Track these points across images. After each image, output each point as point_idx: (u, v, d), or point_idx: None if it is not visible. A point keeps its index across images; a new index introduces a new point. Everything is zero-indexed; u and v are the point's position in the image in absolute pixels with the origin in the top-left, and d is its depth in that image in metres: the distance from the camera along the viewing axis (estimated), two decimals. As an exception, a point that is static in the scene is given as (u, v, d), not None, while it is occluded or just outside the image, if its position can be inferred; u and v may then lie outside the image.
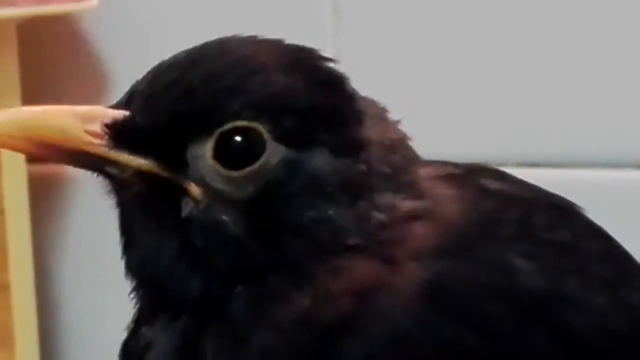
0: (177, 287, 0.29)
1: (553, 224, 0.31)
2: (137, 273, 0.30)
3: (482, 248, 0.29)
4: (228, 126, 0.28)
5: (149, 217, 0.29)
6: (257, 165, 0.28)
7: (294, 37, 0.66)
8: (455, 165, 0.33)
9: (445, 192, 0.30)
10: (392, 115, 0.32)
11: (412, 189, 0.29)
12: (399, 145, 0.30)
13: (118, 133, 0.28)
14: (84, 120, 0.28)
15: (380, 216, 0.28)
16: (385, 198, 0.29)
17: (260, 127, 0.28)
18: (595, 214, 0.33)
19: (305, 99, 0.28)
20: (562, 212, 0.32)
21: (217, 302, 0.29)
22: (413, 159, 0.30)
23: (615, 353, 0.29)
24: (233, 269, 0.28)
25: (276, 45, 0.31)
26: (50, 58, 0.70)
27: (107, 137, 0.28)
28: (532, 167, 0.65)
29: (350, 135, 0.29)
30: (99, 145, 0.28)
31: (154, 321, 0.29)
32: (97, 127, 0.28)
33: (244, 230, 0.28)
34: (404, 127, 0.32)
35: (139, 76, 0.31)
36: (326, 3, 0.68)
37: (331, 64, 0.30)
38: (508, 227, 0.30)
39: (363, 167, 0.28)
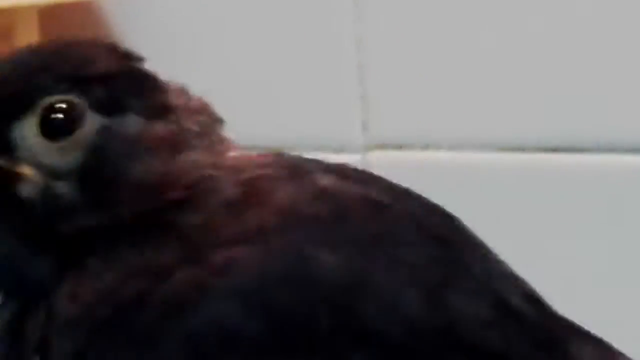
0: (20, 275, 0.31)
1: (371, 218, 0.31)
2: None
3: (281, 238, 0.29)
4: (45, 101, 0.29)
5: None
6: (78, 133, 0.29)
7: (315, 24, 0.64)
8: (289, 157, 0.34)
9: (259, 185, 0.31)
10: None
11: (219, 148, 0.32)
12: (203, 109, 0.32)
13: None
14: None
15: (197, 172, 0.31)
16: (199, 155, 0.31)
17: (76, 99, 0.29)
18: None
19: (111, 67, 0.30)
20: (392, 211, 0.32)
21: (43, 283, 0.30)
22: (219, 120, 0.32)
23: (416, 347, 0.29)
24: (74, 240, 0.30)
25: (91, 41, 0.33)
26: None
27: None
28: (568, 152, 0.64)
29: (157, 101, 0.30)
30: None
31: (4, 301, 0.31)
32: None
33: (79, 199, 0.30)
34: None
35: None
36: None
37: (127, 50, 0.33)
38: (319, 221, 0.30)
39: (174, 127, 0.30)
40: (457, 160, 0.68)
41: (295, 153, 0.57)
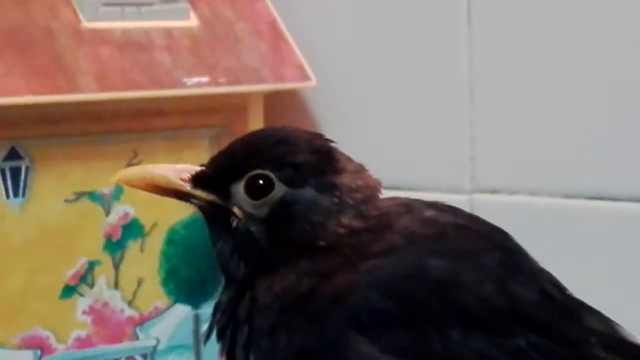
0: (229, 271, 0.39)
1: (468, 235, 0.39)
2: (216, 261, 0.40)
3: (411, 252, 0.37)
4: (251, 173, 0.38)
5: (217, 228, 0.39)
6: (269, 197, 0.38)
7: (429, 72, 0.69)
8: (404, 199, 0.41)
9: (395, 213, 0.39)
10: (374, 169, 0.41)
11: (365, 215, 0.38)
12: (363, 188, 0.39)
13: (197, 179, 0.38)
14: (179, 172, 0.38)
15: (341, 230, 0.37)
16: (346, 219, 0.38)
17: (270, 174, 0.37)
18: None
19: (300, 159, 0.38)
20: (479, 229, 0.40)
21: (249, 278, 0.38)
22: (372, 196, 0.39)
23: (493, 319, 0.36)
24: (258, 260, 0.38)
25: (296, 132, 0.40)
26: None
27: (190, 182, 0.38)
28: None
29: (329, 181, 0.38)
30: (185, 186, 0.38)
31: (225, 288, 0.40)
32: (185, 176, 0.38)
33: (264, 236, 0.38)
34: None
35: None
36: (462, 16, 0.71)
37: (329, 143, 0.39)
38: (431, 237, 0.38)
39: (335, 200, 0.38)
40: (540, 205, 0.72)
41: (412, 192, 0.57)
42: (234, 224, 0.39)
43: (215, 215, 0.40)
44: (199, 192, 0.39)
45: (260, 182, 0.38)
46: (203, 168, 0.39)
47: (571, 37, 0.69)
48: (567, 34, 0.69)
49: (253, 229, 0.38)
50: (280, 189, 0.38)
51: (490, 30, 0.72)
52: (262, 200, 0.38)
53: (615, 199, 0.69)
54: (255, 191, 0.38)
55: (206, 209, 0.40)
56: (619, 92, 0.67)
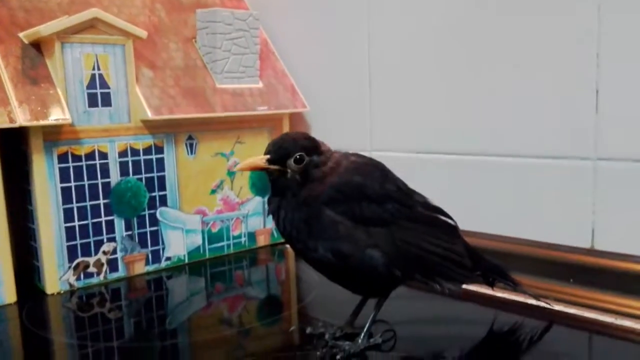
0: (282, 190, 0.68)
1: (368, 166, 0.68)
2: (274, 190, 0.68)
3: (346, 174, 0.66)
4: (295, 155, 0.67)
5: (279, 178, 0.67)
6: (303, 163, 0.67)
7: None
8: (343, 153, 0.67)
9: (339, 160, 0.68)
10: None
11: (331, 160, 0.67)
12: (329, 151, 0.68)
13: (269, 161, 0.66)
14: (262, 159, 0.66)
15: (326, 168, 0.68)
16: (329, 163, 0.68)
17: (304, 154, 0.67)
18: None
19: (309, 146, 0.66)
20: (372, 163, 0.68)
21: (289, 193, 0.67)
22: (333, 152, 0.68)
23: (378, 198, 0.65)
24: (295, 187, 0.67)
25: (303, 135, 0.66)
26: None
27: (267, 162, 0.66)
28: None
29: (320, 152, 0.68)
30: (265, 164, 0.66)
31: (275, 197, 0.68)
32: (264, 160, 0.66)
33: (299, 178, 0.67)
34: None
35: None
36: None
37: (315, 138, 0.65)
38: (353, 168, 0.66)
39: (324, 158, 0.68)
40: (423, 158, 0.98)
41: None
42: (288, 175, 0.69)
43: (278, 173, 0.68)
44: (272, 166, 0.69)
45: (298, 157, 0.69)
46: (269, 156, 0.67)
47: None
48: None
49: (296, 176, 0.69)
50: (307, 159, 0.68)
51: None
52: (301, 164, 0.69)
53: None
54: (298, 161, 0.69)
55: (272, 171, 0.68)
56: None
